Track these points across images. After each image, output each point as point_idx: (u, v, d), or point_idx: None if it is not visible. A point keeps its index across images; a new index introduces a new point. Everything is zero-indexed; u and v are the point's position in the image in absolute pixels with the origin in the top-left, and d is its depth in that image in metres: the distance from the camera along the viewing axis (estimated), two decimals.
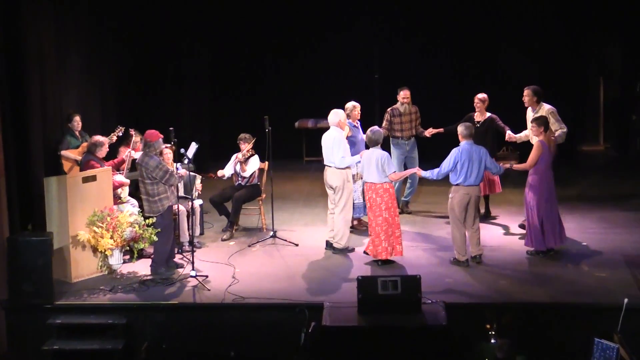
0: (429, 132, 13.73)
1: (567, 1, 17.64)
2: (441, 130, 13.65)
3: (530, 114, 12.37)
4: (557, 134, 12.07)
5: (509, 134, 12.81)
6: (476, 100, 13.17)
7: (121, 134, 12.70)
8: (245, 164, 12.83)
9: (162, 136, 11.15)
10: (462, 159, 11.15)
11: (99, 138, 12.00)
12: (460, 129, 11.37)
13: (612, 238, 12.40)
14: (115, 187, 11.78)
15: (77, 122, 12.69)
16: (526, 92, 12.41)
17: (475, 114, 13.19)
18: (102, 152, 11.98)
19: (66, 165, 12.47)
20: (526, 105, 12.46)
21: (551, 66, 17.58)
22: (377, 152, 11.33)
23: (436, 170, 11.31)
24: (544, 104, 12.31)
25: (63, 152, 12.49)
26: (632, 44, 18.64)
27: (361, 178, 11.98)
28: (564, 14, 17.70)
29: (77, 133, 12.73)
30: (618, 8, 17.61)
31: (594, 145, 19.77)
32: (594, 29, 18.30)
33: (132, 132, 12.81)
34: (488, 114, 13.17)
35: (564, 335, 9.76)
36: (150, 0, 16.37)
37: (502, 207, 13.97)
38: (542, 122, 11.55)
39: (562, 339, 9.75)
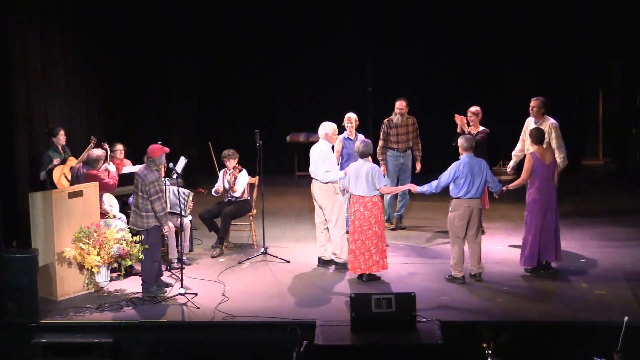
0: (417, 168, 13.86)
1: (567, 14, 17.57)
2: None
3: (531, 125, 12.20)
4: (559, 160, 11.91)
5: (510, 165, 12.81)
6: (469, 114, 13.08)
7: (94, 144, 12.49)
8: (234, 184, 12.66)
9: (166, 150, 11.00)
10: (463, 172, 11.00)
11: (97, 152, 11.91)
12: (461, 141, 11.23)
13: (611, 254, 12.26)
14: (110, 179, 11.89)
15: (62, 136, 12.50)
16: (535, 102, 12.27)
17: (469, 127, 13.01)
18: (100, 165, 11.89)
19: (60, 181, 12.23)
20: (533, 115, 12.33)
21: (550, 79, 17.51)
22: (367, 164, 11.19)
23: (434, 183, 11.15)
24: (548, 117, 12.16)
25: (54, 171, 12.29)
26: (632, 58, 18.66)
27: (347, 192, 11.79)
28: (563, 27, 17.64)
29: (60, 147, 12.51)
30: (618, 21, 17.57)
31: (594, 160, 19.75)
32: (593, 43, 18.27)
33: (119, 145, 12.70)
34: (482, 128, 12.99)
35: (562, 354, 9.58)
36: (137, 13, 16.31)
37: (500, 222, 13.87)
38: (532, 134, 11.44)
39: (561, 358, 9.58)
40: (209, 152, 13.13)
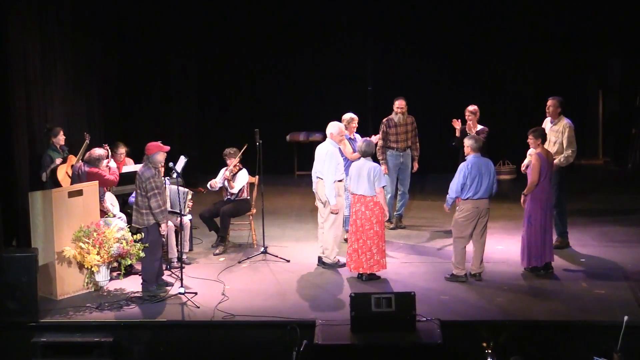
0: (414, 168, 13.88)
1: (567, 14, 17.55)
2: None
3: (548, 125, 12.17)
4: (561, 158, 11.90)
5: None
6: (467, 113, 13.07)
7: (89, 141, 12.51)
8: (232, 180, 12.65)
9: (165, 148, 10.97)
10: (472, 172, 10.95)
11: (98, 151, 11.89)
12: (470, 142, 11.17)
13: (611, 254, 12.24)
14: (111, 175, 11.87)
15: (62, 136, 12.49)
16: (552, 102, 12.25)
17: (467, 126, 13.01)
18: (103, 165, 11.87)
19: (64, 180, 12.20)
20: (549, 115, 12.29)
21: (550, 79, 17.47)
22: (368, 164, 11.17)
23: (450, 194, 11.09)
24: (564, 117, 12.16)
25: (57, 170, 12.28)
26: (632, 58, 18.61)
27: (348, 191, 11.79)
28: (563, 26, 17.61)
29: (59, 147, 12.50)
30: (618, 21, 17.55)
31: (593, 159, 19.67)
32: (593, 42, 18.21)
33: (121, 147, 12.77)
34: (480, 127, 12.97)
35: (562, 354, 9.57)
36: (137, 14, 16.30)
37: (500, 221, 13.80)
38: (539, 134, 11.38)
39: (561, 357, 9.57)
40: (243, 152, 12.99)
